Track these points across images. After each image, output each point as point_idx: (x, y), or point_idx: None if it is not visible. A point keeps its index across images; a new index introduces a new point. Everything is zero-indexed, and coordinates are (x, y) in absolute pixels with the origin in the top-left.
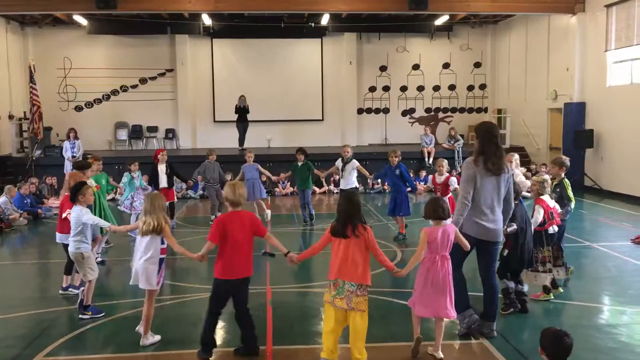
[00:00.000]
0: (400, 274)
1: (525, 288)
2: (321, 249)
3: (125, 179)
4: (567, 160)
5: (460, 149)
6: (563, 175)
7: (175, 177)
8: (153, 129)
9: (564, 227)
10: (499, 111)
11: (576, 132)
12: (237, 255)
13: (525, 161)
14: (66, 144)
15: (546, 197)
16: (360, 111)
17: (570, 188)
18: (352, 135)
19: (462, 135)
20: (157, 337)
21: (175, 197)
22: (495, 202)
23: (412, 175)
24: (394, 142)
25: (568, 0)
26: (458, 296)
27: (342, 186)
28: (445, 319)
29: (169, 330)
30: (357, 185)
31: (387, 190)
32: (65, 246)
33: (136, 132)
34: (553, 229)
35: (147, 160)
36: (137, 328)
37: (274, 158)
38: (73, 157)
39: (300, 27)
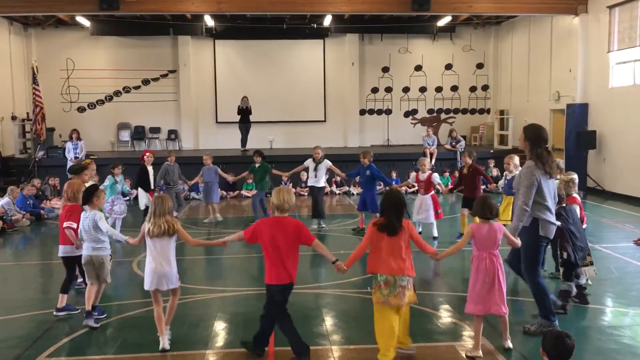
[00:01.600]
0: (438, 257)
1: (583, 281)
2: (366, 248)
3: (107, 182)
4: (561, 162)
5: (462, 150)
6: (558, 177)
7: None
8: (155, 130)
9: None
10: (502, 112)
11: (579, 133)
12: (279, 261)
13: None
14: (69, 145)
15: (576, 195)
16: (362, 112)
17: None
18: (355, 137)
19: (464, 137)
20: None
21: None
22: (554, 201)
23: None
24: (396, 143)
25: (571, 1)
26: (547, 302)
27: (312, 183)
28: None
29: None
30: (325, 185)
31: (355, 193)
32: (67, 260)
33: (139, 133)
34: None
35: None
36: (164, 329)
37: (276, 159)
38: (76, 158)
39: (303, 28)
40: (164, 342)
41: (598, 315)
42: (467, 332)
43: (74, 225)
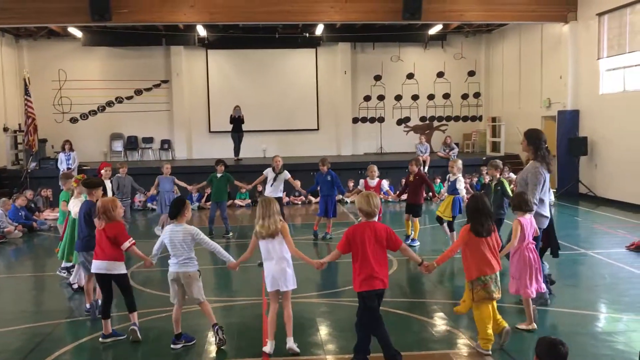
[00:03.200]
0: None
1: (546, 269)
2: (459, 248)
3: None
4: (500, 163)
5: (455, 157)
6: (499, 175)
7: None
8: (148, 140)
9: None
10: (493, 119)
11: (570, 140)
12: (368, 266)
13: (519, 169)
14: (61, 156)
15: None
16: (355, 120)
17: (508, 186)
18: (348, 145)
19: (456, 144)
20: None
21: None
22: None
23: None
24: (388, 151)
25: (560, 9)
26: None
27: (270, 193)
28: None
29: (168, 340)
30: (282, 195)
31: (311, 201)
32: (103, 277)
33: (131, 144)
34: None
35: (141, 171)
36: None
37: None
38: (68, 169)
39: (295, 37)
40: (290, 343)
41: (591, 321)
42: (462, 340)
43: (134, 242)
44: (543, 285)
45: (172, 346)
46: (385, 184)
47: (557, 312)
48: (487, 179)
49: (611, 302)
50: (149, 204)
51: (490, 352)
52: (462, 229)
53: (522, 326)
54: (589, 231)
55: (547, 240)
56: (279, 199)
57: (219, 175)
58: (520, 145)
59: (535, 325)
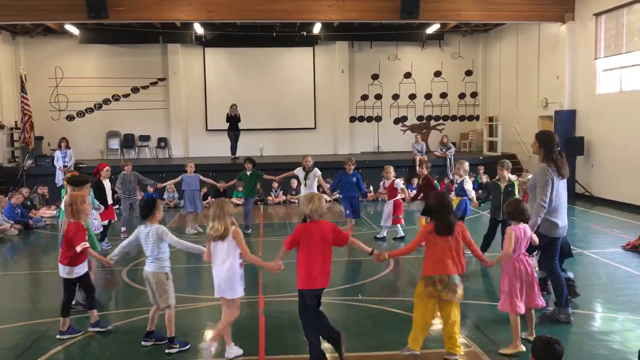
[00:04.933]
0: (489, 263)
1: (571, 275)
2: (416, 248)
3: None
4: (510, 163)
5: (452, 156)
6: (509, 176)
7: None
8: (145, 138)
9: None
10: (491, 119)
11: (567, 140)
12: (318, 264)
13: (517, 168)
14: (58, 154)
15: None
16: (352, 119)
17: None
18: (345, 144)
19: (453, 143)
20: (240, 351)
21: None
22: (565, 202)
23: (402, 182)
24: (386, 150)
25: (558, 9)
26: (563, 291)
27: (303, 193)
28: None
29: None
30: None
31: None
32: (67, 282)
33: (128, 142)
34: None
35: (138, 169)
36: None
37: (266, 166)
38: (65, 166)
39: (292, 36)
40: (229, 351)
41: (587, 320)
42: (460, 339)
43: (88, 245)
44: (541, 300)
45: (142, 343)
46: (398, 183)
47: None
48: (484, 178)
49: (607, 302)
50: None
51: (417, 353)
52: (422, 226)
53: (507, 351)
54: (585, 231)
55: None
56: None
57: (248, 173)
58: (531, 147)
59: (523, 348)
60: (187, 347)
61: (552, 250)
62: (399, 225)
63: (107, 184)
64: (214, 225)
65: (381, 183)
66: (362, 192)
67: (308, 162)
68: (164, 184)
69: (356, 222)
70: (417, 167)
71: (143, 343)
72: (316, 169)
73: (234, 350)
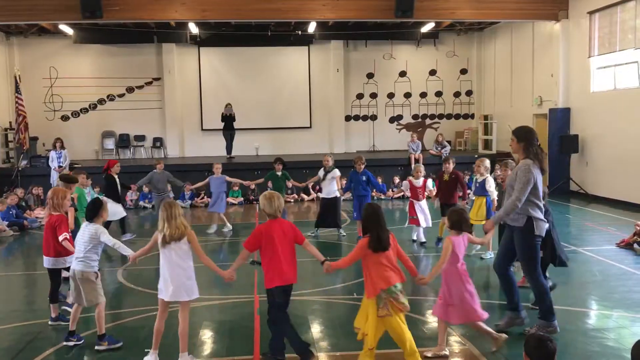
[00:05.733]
0: (424, 281)
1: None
2: (354, 261)
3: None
4: (513, 162)
5: (447, 154)
6: None
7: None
8: (140, 138)
9: None
10: (485, 117)
11: (561, 138)
12: (283, 262)
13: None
14: (52, 154)
15: None
16: (348, 118)
17: None
18: (340, 143)
19: (449, 142)
20: None
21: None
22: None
23: (398, 181)
24: (381, 149)
25: (552, 7)
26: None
27: (323, 195)
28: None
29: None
30: (338, 195)
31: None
32: (52, 272)
33: (123, 142)
34: None
35: (133, 169)
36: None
37: (261, 166)
38: (60, 167)
39: (287, 35)
40: None
41: (582, 318)
42: (454, 337)
43: (68, 237)
44: (482, 314)
45: (63, 343)
46: (430, 183)
47: None
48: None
49: (601, 299)
50: (140, 202)
51: None
52: (359, 241)
53: (429, 353)
54: (579, 228)
55: (546, 250)
56: (336, 199)
57: (278, 173)
58: (510, 146)
59: (447, 351)
60: (118, 344)
61: (537, 254)
62: (415, 226)
63: (117, 179)
64: (167, 228)
65: (404, 182)
66: (378, 189)
67: (327, 161)
68: (194, 186)
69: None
70: (443, 164)
71: (64, 343)
72: (335, 170)
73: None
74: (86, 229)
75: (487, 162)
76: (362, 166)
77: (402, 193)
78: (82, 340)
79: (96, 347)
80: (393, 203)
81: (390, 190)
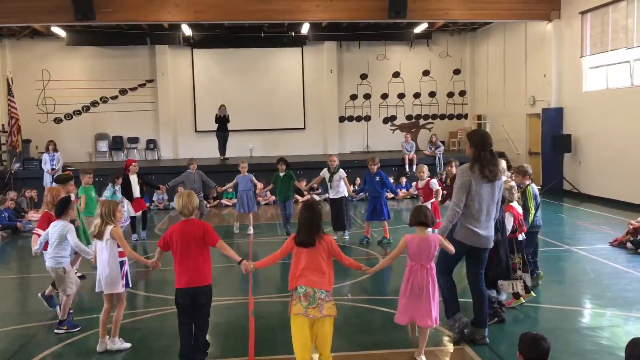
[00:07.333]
0: (369, 271)
1: (503, 297)
2: (281, 257)
3: (107, 192)
4: (529, 168)
5: (441, 155)
6: (528, 182)
7: (146, 187)
8: (134, 140)
9: (534, 235)
10: (479, 117)
11: (554, 137)
12: (189, 263)
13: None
14: (45, 157)
15: (515, 204)
16: (341, 119)
17: (532, 198)
18: (334, 143)
19: (442, 142)
20: (127, 345)
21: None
22: (490, 209)
23: (392, 181)
24: (375, 150)
25: (544, 7)
26: (449, 301)
27: (331, 195)
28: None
29: (150, 343)
30: (347, 194)
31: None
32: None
33: (117, 144)
34: (522, 236)
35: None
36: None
37: (256, 167)
38: (52, 169)
39: (281, 36)
40: (110, 344)
41: (575, 316)
42: (447, 338)
43: (40, 232)
44: (432, 321)
45: (55, 330)
46: (434, 183)
47: (541, 308)
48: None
49: (595, 298)
50: (170, 204)
51: None
52: (290, 235)
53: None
54: (573, 227)
55: (490, 265)
56: (341, 200)
57: (281, 174)
58: (466, 147)
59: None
60: (77, 329)
61: (477, 262)
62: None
63: (133, 178)
64: (96, 224)
65: (414, 184)
66: (391, 189)
67: (333, 161)
68: (224, 188)
69: (380, 223)
70: (446, 167)
71: (56, 331)
72: (341, 170)
73: (117, 343)
74: (55, 226)
75: (503, 163)
76: (375, 167)
77: (408, 194)
78: (79, 327)
79: (55, 331)
80: (398, 203)
81: (399, 190)
